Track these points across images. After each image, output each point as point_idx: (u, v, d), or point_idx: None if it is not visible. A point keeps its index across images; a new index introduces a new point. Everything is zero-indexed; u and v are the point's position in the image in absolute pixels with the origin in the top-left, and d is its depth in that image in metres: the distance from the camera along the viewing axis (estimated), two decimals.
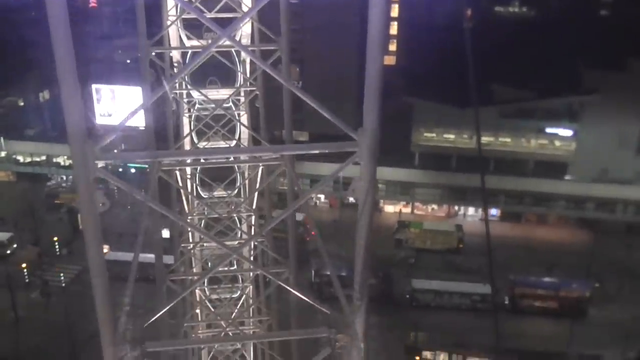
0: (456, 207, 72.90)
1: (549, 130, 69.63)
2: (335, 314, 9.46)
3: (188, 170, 19.84)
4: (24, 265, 59.86)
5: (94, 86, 77.71)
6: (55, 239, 64.48)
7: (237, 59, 20.32)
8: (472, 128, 68.78)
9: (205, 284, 20.66)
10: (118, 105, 76.53)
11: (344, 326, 9.25)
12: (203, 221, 19.28)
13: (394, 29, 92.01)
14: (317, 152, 9.25)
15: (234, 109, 20.40)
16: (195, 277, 17.41)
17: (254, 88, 18.58)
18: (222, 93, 19.99)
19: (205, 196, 20.54)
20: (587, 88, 66.60)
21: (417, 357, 49.59)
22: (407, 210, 73.33)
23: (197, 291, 20.15)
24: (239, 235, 19.80)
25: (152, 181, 13.42)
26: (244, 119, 20.33)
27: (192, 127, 20.69)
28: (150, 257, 16.20)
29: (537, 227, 70.54)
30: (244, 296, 19.78)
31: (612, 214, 68.72)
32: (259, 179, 19.12)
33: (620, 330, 53.44)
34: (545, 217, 71.53)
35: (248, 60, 20.40)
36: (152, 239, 15.75)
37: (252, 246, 17.79)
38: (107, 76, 79.47)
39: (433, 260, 63.80)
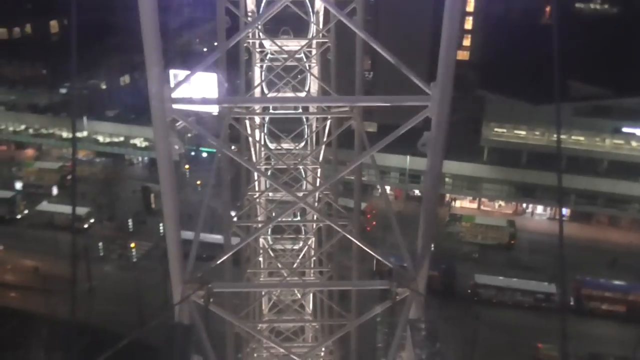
0: (524, 205, 71.60)
1: (625, 129, 67.36)
2: (398, 267, 9.75)
3: (257, 120, 20.01)
4: (99, 239, 63.13)
5: (171, 71, 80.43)
6: (130, 216, 67.51)
7: (310, 10, 20.15)
8: (544, 125, 67.46)
9: (269, 234, 21.08)
10: (194, 89, 78.91)
11: (406, 280, 9.39)
12: (270, 171, 19.39)
13: (468, 23, 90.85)
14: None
15: (305, 60, 20.06)
16: (260, 225, 17.78)
17: (326, 40, 18.36)
18: (295, 44, 19.91)
19: (273, 147, 20.68)
20: None
21: None
22: (474, 205, 72.59)
23: (260, 240, 20.45)
24: (304, 186, 19.93)
25: (223, 127, 13.87)
26: (315, 70, 19.97)
27: (263, 78, 20.50)
28: (217, 237, 16.87)
29: (608, 229, 68.47)
30: (307, 247, 20.10)
31: None
32: (326, 132, 19.24)
33: None
34: (617, 219, 69.30)
35: (322, 12, 20.25)
36: (220, 194, 16.17)
37: (317, 198, 18.09)
38: (184, 63, 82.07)
39: (496, 256, 63.04)
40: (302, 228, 20.81)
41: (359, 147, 14.59)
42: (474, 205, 72.48)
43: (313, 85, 19.78)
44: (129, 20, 7.96)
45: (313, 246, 20.04)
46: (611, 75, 65.34)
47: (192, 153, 78.30)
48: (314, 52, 19.66)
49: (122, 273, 60.72)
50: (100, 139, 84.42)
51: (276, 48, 19.30)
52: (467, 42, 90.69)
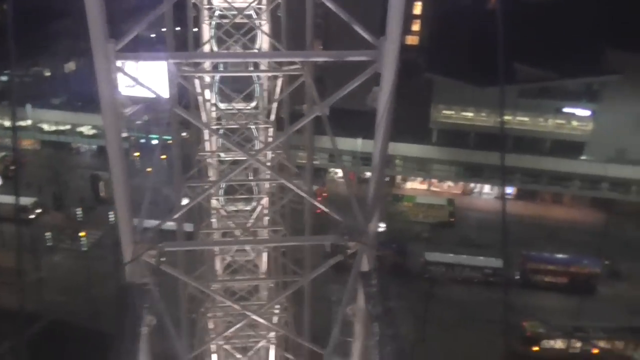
0: (472, 185, 73.50)
1: (566, 110, 69.79)
2: (348, 221, 10.04)
3: (207, 79, 19.81)
4: (47, 229, 61.92)
5: (118, 63, 78.92)
6: (78, 205, 66.38)
7: None
8: (490, 106, 69.24)
9: (222, 194, 21.17)
10: (141, 77, 77.65)
11: (357, 234, 9.54)
12: (221, 132, 19.41)
13: (417, 9, 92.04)
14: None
15: (255, 17, 19.91)
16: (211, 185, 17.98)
17: None
18: (244, 0, 19.74)
19: (223, 107, 20.64)
20: (607, 69, 66.60)
21: (536, 348, 49.66)
22: (424, 186, 74.11)
23: (213, 200, 20.56)
24: (257, 146, 20.06)
25: (171, 87, 13.86)
26: (266, 28, 19.87)
27: (212, 35, 20.21)
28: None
29: (551, 206, 71.01)
30: (260, 207, 20.30)
31: (626, 194, 68.98)
32: (278, 90, 19.29)
33: (627, 307, 54.22)
34: (560, 196, 71.93)
35: None
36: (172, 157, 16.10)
37: (269, 157, 18.37)
38: (131, 49, 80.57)
39: (449, 234, 64.68)
40: (255, 188, 20.99)
41: (310, 104, 14.74)
42: (424, 186, 74.00)
43: (264, 43, 19.68)
44: (74, 4, 7.96)
45: (266, 206, 20.30)
46: (554, 58, 67.36)
47: (142, 141, 77.31)
48: (264, 8, 19.44)
49: (72, 262, 59.83)
50: (46, 127, 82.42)
51: (225, 5, 19.13)
52: (416, 27, 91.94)
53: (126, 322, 8.28)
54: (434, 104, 72.08)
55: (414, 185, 74.32)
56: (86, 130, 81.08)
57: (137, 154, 75.20)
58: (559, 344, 50.16)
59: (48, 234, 61.93)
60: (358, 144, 69.10)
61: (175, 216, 10.39)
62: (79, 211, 66.08)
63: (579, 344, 49.80)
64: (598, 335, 49.79)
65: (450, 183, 73.95)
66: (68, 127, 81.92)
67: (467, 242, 62.68)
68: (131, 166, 74.40)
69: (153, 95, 10.43)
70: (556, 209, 70.43)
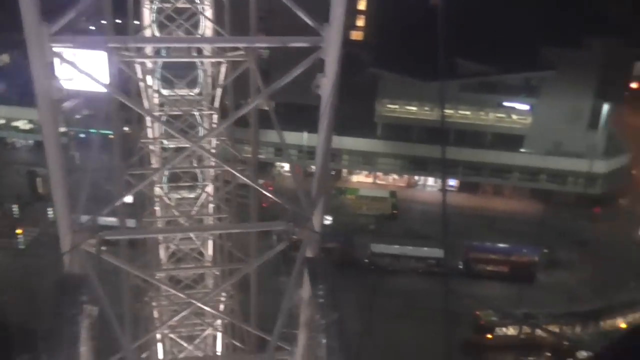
0: (416, 178, 74.72)
1: (506, 104, 71.69)
2: (293, 208, 10.16)
3: (149, 64, 19.37)
4: None
5: (54, 49, 76.65)
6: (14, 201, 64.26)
7: None
8: (433, 100, 70.44)
9: (165, 182, 20.85)
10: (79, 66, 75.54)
11: (303, 221, 9.67)
12: (164, 118, 19.32)
13: (362, 4, 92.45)
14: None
15: (198, 1, 19.60)
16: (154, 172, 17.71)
17: None
18: None
19: (166, 93, 20.28)
20: (544, 64, 68.67)
21: (490, 335, 50.60)
22: (370, 179, 74.89)
23: (156, 188, 20.28)
24: (200, 133, 19.83)
25: (111, 72, 13.52)
26: (209, 13, 19.55)
27: (153, 20, 19.62)
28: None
29: (492, 198, 72.90)
30: (204, 195, 20.07)
31: (563, 185, 71.46)
32: (222, 76, 19.04)
33: (564, 293, 56.30)
34: (501, 188, 73.92)
35: None
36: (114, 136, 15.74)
37: (214, 145, 18.18)
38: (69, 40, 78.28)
39: (393, 226, 65.61)
40: (200, 176, 20.76)
41: (255, 90, 14.71)
42: (370, 180, 74.79)
43: (207, 29, 19.40)
44: None
45: (211, 193, 20.08)
46: (494, 54, 68.97)
47: (82, 135, 75.25)
48: None
49: (9, 261, 57.95)
50: None
51: None
52: (361, 22, 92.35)
53: (64, 313, 8.09)
54: (378, 98, 72.84)
55: (360, 178, 75.04)
56: (22, 124, 78.44)
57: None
58: (510, 330, 51.63)
59: None
60: (304, 137, 69.25)
61: (116, 203, 10.18)
62: (15, 208, 63.93)
63: (529, 330, 51.38)
64: (547, 320, 51.51)
65: (395, 176, 74.96)
66: (2, 121, 79.13)
67: (411, 234, 63.70)
68: (70, 162, 72.81)
69: (92, 88, 10.17)
70: (497, 201, 72.34)
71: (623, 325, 53.04)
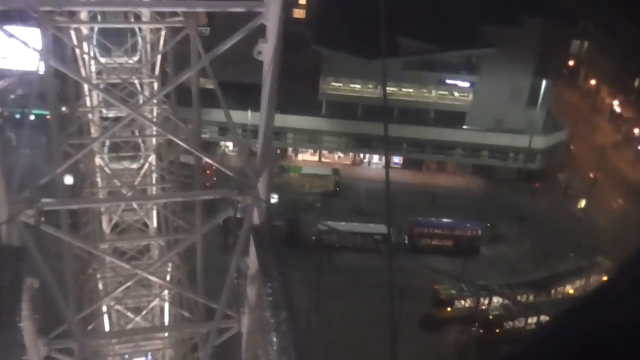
0: (361, 155, 75.35)
1: (449, 81, 72.81)
2: (238, 176, 10.23)
3: (84, 30, 18.79)
4: None
5: None
6: None
7: None
8: (377, 78, 70.86)
9: (106, 152, 20.36)
10: (12, 47, 72.86)
11: (248, 188, 9.86)
12: (102, 86, 18.47)
13: None
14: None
15: None
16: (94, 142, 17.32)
17: None
18: None
19: (104, 61, 19.60)
20: (485, 42, 69.93)
21: (449, 309, 51.49)
22: (315, 158, 75.07)
23: (97, 159, 19.89)
24: (141, 101, 19.36)
25: (44, 39, 13.04)
26: None
27: None
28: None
29: (436, 174, 74.24)
30: (147, 165, 19.68)
31: (504, 161, 73.37)
32: (161, 43, 18.67)
33: (506, 266, 58.14)
34: (444, 164, 75.32)
35: None
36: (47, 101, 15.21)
37: (155, 113, 17.85)
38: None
39: (339, 204, 66.12)
40: (142, 145, 20.33)
41: (195, 56, 14.49)
42: (315, 158, 74.97)
43: None
44: None
45: (154, 163, 19.71)
46: (435, 32, 69.79)
47: (17, 116, 72.69)
48: None
49: None
50: None
51: None
52: (303, 0, 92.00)
53: (3, 286, 7.93)
54: (322, 76, 72.81)
55: (306, 157, 75.16)
56: None
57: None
58: (469, 302, 52.90)
59: None
60: (248, 116, 68.72)
61: (56, 173, 9.97)
62: None
63: (486, 301, 52.80)
64: (503, 291, 53.04)
65: (340, 154, 75.39)
66: None
67: (357, 211, 64.31)
68: (7, 143, 70.32)
69: (26, 67, 9.90)
70: (441, 177, 73.71)
71: (571, 292, 55.37)
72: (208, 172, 62.73)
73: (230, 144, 73.13)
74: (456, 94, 73.43)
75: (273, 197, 60.39)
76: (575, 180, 73.79)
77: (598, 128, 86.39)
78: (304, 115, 70.11)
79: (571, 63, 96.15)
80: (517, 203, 67.14)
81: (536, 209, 67.41)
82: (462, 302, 53.18)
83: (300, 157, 75.15)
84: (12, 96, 68.68)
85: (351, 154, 75.37)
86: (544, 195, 70.85)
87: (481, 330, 51.31)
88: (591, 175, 72.58)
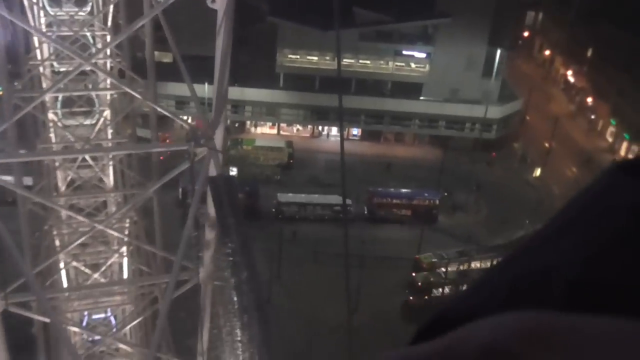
0: (320, 128, 75.32)
1: (405, 52, 73.05)
2: (194, 128, 10.21)
3: None
4: None
5: None
6: None
7: None
8: (333, 50, 70.55)
9: (59, 108, 19.90)
10: None
11: (204, 139, 9.75)
12: (53, 35, 17.88)
13: None
14: None
15: None
16: (47, 97, 16.92)
17: None
18: None
19: (53, 12, 18.92)
20: (440, 12, 70.29)
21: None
22: (274, 131, 74.76)
23: (50, 114, 19.53)
24: (93, 52, 18.89)
25: None
26: None
27: None
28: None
29: (394, 145, 74.81)
30: (102, 119, 19.32)
31: (461, 131, 74.33)
32: None
33: (463, 233, 59.28)
34: (402, 135, 75.90)
35: None
36: None
37: (109, 66, 17.47)
38: None
39: (298, 176, 66.21)
40: (95, 100, 19.91)
41: (148, 5, 14.11)
42: (274, 131, 74.66)
43: None
44: None
45: (109, 118, 19.34)
46: (391, 2, 69.80)
47: None
48: None
49: None
50: None
51: None
52: None
53: None
54: (279, 48, 72.25)
55: (265, 130, 74.79)
56: None
57: None
58: (450, 268, 52.79)
59: None
60: (205, 89, 67.86)
61: (5, 126, 9.73)
62: None
63: (465, 267, 53.71)
64: (480, 256, 53.90)
65: (299, 127, 75.23)
66: None
67: (316, 183, 64.51)
68: None
69: None
70: (399, 148, 74.32)
71: None
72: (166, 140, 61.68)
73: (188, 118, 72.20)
74: (413, 65, 73.75)
75: (232, 170, 60.05)
76: (531, 150, 75.36)
77: (552, 98, 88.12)
78: (261, 88, 69.58)
79: (526, 34, 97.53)
80: (474, 172, 68.27)
81: (493, 178, 68.74)
82: (443, 269, 53.39)
83: (259, 130, 74.73)
84: None
85: (310, 127, 75.23)
86: (500, 164, 72.22)
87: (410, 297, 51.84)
88: (546, 144, 74.19)
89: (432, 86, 72.47)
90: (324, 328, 45.66)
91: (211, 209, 10.73)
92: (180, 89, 64.02)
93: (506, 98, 75.62)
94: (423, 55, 72.99)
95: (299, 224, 58.53)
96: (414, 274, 52.31)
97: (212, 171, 10.53)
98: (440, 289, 51.87)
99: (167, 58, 68.93)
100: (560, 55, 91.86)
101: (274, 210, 59.31)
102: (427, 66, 73.02)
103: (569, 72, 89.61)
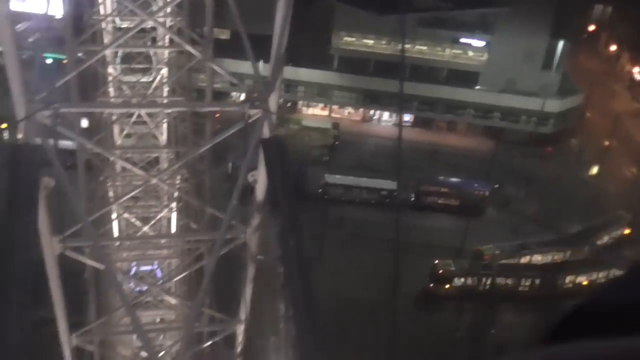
0: (371, 112, 74.89)
1: (463, 40, 71.77)
2: (250, 89, 10.21)
3: None
4: None
5: None
6: None
7: None
8: (389, 34, 70.01)
9: (118, 63, 20.46)
10: None
11: (259, 100, 9.76)
12: None
13: None
14: None
15: None
16: (107, 52, 17.53)
17: None
18: None
19: None
20: (500, 1, 68.69)
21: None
22: (325, 112, 74.66)
23: (109, 68, 20.15)
24: (154, 9, 19.18)
25: None
26: None
27: None
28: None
29: (446, 134, 73.83)
30: (159, 77, 19.74)
31: (516, 123, 72.76)
32: None
33: (511, 228, 58.12)
34: (454, 124, 74.80)
35: None
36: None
37: (168, 24, 17.76)
38: None
39: (346, 158, 66.03)
40: (154, 58, 20.32)
41: None
42: (325, 113, 74.56)
43: None
44: None
45: (166, 76, 19.72)
46: None
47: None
48: None
49: None
50: None
51: None
52: None
53: (22, 182, 7.93)
54: (335, 30, 71.93)
55: (316, 111, 74.75)
56: None
57: None
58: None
59: None
60: (260, 67, 68.04)
61: (68, 77, 9.96)
62: None
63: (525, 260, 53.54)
64: (541, 249, 53.78)
65: (350, 109, 74.94)
66: None
67: (362, 166, 64.24)
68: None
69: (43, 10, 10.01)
70: (450, 137, 73.29)
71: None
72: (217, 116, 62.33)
73: (242, 95, 72.72)
74: (470, 53, 72.44)
75: None
76: (588, 147, 73.07)
77: (615, 95, 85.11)
78: (315, 69, 69.46)
79: (592, 27, 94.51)
80: (526, 166, 66.81)
81: (546, 173, 67.11)
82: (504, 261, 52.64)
83: (311, 111, 74.73)
84: (30, 39, 68.13)
85: (361, 110, 74.85)
86: (555, 160, 70.45)
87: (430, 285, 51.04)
88: (605, 142, 71.82)
89: (489, 76, 71.05)
90: (360, 309, 45.76)
91: (262, 170, 10.69)
92: (236, 66, 64.55)
93: (566, 92, 73.53)
94: (481, 43, 71.57)
95: (345, 206, 58.45)
96: (436, 262, 51.59)
97: (265, 133, 10.50)
98: (463, 279, 51.08)
99: (224, 35, 69.63)
100: (628, 51, 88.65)
101: (320, 191, 59.29)
102: (485, 55, 71.58)
103: (636, 70, 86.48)
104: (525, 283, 51.60)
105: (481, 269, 51.33)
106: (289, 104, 73.39)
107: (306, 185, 59.27)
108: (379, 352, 37.45)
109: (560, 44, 70.48)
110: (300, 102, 74.40)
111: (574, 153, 72.79)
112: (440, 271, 51.00)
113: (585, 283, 51.84)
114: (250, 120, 10.38)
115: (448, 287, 50.52)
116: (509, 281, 51.33)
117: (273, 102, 10.49)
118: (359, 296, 47.24)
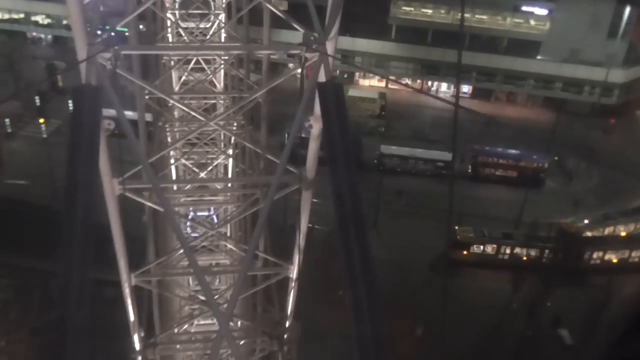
0: (429, 83, 74.33)
1: (525, 8, 70.12)
2: (308, 32, 10.35)
3: None
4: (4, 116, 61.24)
5: None
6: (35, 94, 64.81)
7: None
8: (449, 3, 69.05)
9: (177, 8, 20.97)
10: None
11: (316, 43, 9.47)
12: None
13: None
14: None
15: None
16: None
17: None
18: None
19: None
20: None
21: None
22: (382, 84, 74.51)
23: (168, 13, 20.42)
24: None
25: None
26: None
27: None
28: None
29: (505, 105, 72.68)
30: (217, 22, 20.20)
31: (578, 94, 70.92)
32: None
33: (571, 200, 57.13)
34: (514, 95, 73.50)
35: None
36: None
37: None
38: None
39: (403, 129, 66.01)
40: (212, 3, 20.86)
41: None
42: (382, 84, 74.41)
43: None
44: None
45: (223, 21, 20.24)
46: None
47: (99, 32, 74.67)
48: None
49: (31, 149, 59.50)
50: None
51: None
52: None
53: (83, 124, 8.08)
54: (393, 0, 71.42)
55: (373, 82, 74.71)
56: (41, 19, 78.44)
57: None
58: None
59: (7, 121, 61.29)
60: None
61: (129, 18, 10.46)
62: (37, 99, 64.45)
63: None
64: (624, 219, 52.78)
65: (408, 81, 74.56)
66: (22, 15, 78.91)
67: (418, 137, 64.09)
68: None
69: None
70: (510, 108, 72.16)
71: None
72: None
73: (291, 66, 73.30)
74: (532, 22, 70.74)
75: None
76: None
77: None
78: (372, 39, 69.29)
79: None
80: (588, 138, 65.21)
81: (609, 146, 65.44)
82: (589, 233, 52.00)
83: (367, 82, 74.75)
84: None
85: (419, 81, 74.37)
86: (618, 132, 68.53)
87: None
88: None
89: (551, 45, 69.34)
90: (413, 275, 46.32)
91: (317, 114, 10.77)
92: (292, 37, 65.07)
93: (632, 62, 71.03)
94: (544, 12, 69.73)
95: (400, 177, 58.62)
96: (457, 228, 51.12)
97: (322, 77, 10.52)
98: (482, 246, 50.61)
99: (282, 6, 70.07)
100: None
101: (375, 161, 59.58)
102: (548, 24, 69.77)
103: None
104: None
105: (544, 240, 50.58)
106: (345, 75, 73.56)
107: (361, 155, 59.56)
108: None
109: (627, 10, 67.87)
110: (357, 74, 74.38)
111: (639, 125, 70.52)
112: (459, 237, 50.93)
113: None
114: (307, 65, 10.52)
115: (466, 254, 50.42)
116: (532, 252, 50.55)
117: (330, 45, 10.47)
118: (412, 266, 47.76)
